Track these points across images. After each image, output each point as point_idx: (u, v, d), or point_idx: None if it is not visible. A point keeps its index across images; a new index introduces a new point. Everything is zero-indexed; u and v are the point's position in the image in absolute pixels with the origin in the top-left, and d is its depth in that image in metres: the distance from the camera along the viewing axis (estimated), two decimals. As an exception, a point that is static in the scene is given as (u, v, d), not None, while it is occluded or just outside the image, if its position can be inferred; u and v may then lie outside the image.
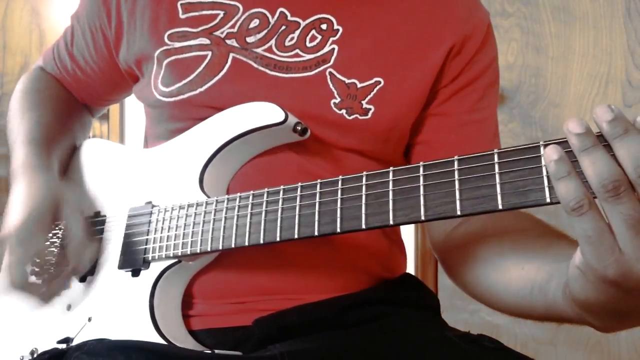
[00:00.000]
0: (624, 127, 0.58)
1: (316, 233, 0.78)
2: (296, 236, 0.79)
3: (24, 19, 2.48)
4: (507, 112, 2.18)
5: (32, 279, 0.92)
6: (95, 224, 1.02)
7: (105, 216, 1.02)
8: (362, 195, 0.75)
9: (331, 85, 0.94)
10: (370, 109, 0.95)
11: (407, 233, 2.11)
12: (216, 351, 0.87)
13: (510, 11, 2.20)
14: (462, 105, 1.00)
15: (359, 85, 0.95)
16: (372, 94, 0.95)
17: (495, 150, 0.67)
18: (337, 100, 0.94)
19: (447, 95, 1.00)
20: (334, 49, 0.96)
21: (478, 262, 0.88)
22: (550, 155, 0.61)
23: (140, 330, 0.89)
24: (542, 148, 0.64)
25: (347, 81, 0.95)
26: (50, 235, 0.95)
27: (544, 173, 0.63)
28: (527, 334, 2.13)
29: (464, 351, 0.87)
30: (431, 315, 1.02)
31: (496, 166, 0.66)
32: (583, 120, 0.60)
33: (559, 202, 0.62)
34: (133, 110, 2.52)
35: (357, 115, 0.94)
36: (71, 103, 1.19)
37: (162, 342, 0.86)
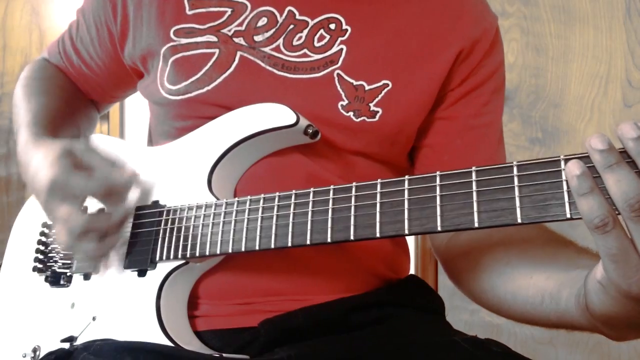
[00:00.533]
0: None
1: (329, 240, 0.77)
2: (308, 242, 0.79)
3: (24, 19, 2.47)
4: (507, 112, 2.18)
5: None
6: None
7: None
8: (376, 203, 0.75)
9: (339, 87, 0.94)
10: (378, 112, 0.94)
11: (408, 233, 2.11)
12: (224, 355, 0.86)
13: (510, 11, 2.20)
14: (468, 109, 1.00)
15: (367, 87, 0.94)
16: (380, 96, 0.94)
17: (515, 163, 0.66)
18: (345, 102, 0.94)
19: (454, 99, 0.99)
20: (342, 49, 0.95)
21: (484, 270, 0.88)
22: (572, 170, 0.60)
23: (145, 330, 0.88)
24: (562, 162, 0.64)
25: (355, 83, 0.94)
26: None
27: (565, 188, 0.63)
28: (527, 334, 2.13)
29: (471, 355, 0.87)
30: (437, 317, 1.02)
31: (515, 179, 0.66)
32: (605, 136, 0.60)
33: (580, 218, 0.61)
34: (133, 110, 2.52)
35: (365, 118, 0.94)
36: (77, 93, 1.18)
37: (168, 343, 0.86)
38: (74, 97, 1.17)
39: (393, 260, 1.02)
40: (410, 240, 2.22)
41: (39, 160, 0.92)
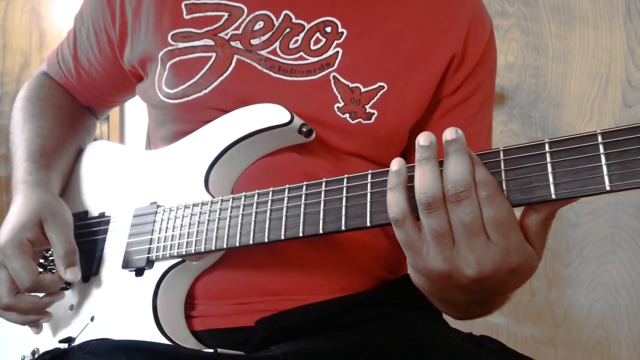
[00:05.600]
0: (455, 147, 0.65)
1: (321, 231, 0.78)
2: (301, 234, 0.79)
3: (24, 19, 2.46)
4: (507, 112, 2.18)
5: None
6: (100, 224, 1.02)
7: (109, 216, 1.02)
8: (367, 193, 0.76)
9: (335, 90, 0.95)
10: (373, 114, 0.95)
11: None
12: (219, 350, 0.86)
13: (510, 11, 2.20)
14: (458, 120, 1.01)
15: (363, 89, 0.95)
16: (375, 98, 0.95)
17: (501, 148, 0.67)
18: (341, 104, 0.94)
19: (447, 108, 1.00)
20: (338, 52, 0.96)
21: None
22: (391, 166, 0.69)
23: (143, 330, 0.89)
24: (547, 145, 0.65)
25: (350, 85, 0.95)
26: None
27: (549, 170, 0.64)
28: (527, 334, 2.13)
29: (467, 352, 0.87)
30: (433, 316, 1.02)
31: (502, 163, 0.67)
32: (430, 134, 0.67)
33: (565, 198, 0.63)
34: (133, 110, 2.52)
35: (361, 120, 0.94)
36: (74, 109, 1.19)
37: (165, 341, 0.87)
38: (71, 113, 1.18)
39: (390, 260, 1.03)
40: (410, 240, 2.22)
41: (14, 211, 0.97)
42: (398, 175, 0.68)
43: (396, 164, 0.69)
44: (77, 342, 0.95)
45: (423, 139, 0.66)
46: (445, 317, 1.04)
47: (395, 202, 0.68)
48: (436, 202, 0.65)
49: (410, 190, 0.68)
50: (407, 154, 1.04)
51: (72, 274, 0.94)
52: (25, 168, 1.03)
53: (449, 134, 0.65)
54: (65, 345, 0.95)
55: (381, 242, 1.00)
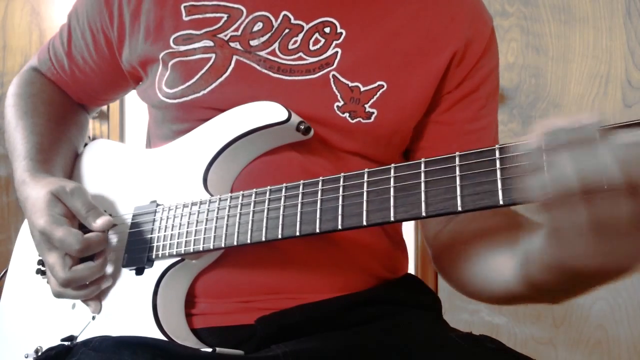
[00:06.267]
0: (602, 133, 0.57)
1: (317, 230, 0.78)
2: (298, 233, 0.80)
3: (24, 19, 2.47)
4: (507, 112, 2.19)
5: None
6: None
7: (109, 215, 1.02)
8: (363, 192, 0.76)
9: (334, 89, 0.94)
10: (373, 113, 0.95)
11: (408, 232, 2.11)
12: (218, 349, 0.87)
13: (510, 11, 2.21)
14: (465, 113, 1.00)
15: (362, 88, 0.95)
16: (375, 97, 0.95)
17: (497, 146, 0.67)
18: (341, 103, 0.94)
19: (451, 103, 1.00)
20: (337, 52, 0.96)
21: (464, 260, 0.90)
22: (530, 144, 0.61)
23: (143, 328, 0.89)
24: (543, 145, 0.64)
25: (350, 84, 0.95)
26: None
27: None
28: (527, 334, 2.13)
29: (466, 352, 0.87)
30: (433, 315, 1.02)
31: (497, 162, 0.67)
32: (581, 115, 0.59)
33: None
34: (133, 110, 2.53)
35: (360, 119, 0.94)
36: (66, 105, 1.18)
37: (164, 339, 0.87)
38: (63, 110, 1.17)
39: (390, 259, 1.03)
40: (411, 240, 2.23)
41: (32, 202, 0.97)
42: (539, 154, 0.60)
43: (536, 141, 0.60)
44: (78, 340, 0.95)
45: (575, 118, 0.58)
46: (445, 317, 1.05)
47: (541, 183, 0.59)
48: (608, 187, 0.56)
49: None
50: (410, 153, 1.04)
51: (102, 221, 0.93)
52: (24, 166, 1.03)
53: (590, 116, 0.57)
54: (68, 343, 0.95)
55: (381, 241, 1.00)
